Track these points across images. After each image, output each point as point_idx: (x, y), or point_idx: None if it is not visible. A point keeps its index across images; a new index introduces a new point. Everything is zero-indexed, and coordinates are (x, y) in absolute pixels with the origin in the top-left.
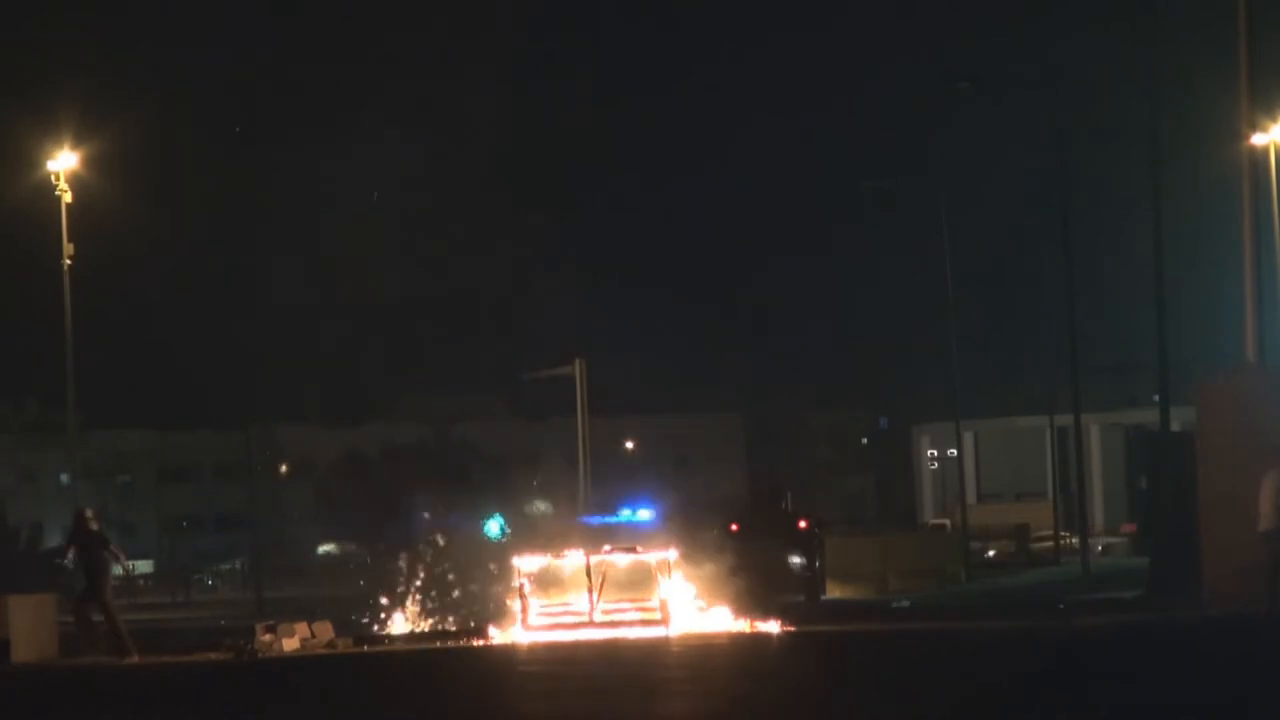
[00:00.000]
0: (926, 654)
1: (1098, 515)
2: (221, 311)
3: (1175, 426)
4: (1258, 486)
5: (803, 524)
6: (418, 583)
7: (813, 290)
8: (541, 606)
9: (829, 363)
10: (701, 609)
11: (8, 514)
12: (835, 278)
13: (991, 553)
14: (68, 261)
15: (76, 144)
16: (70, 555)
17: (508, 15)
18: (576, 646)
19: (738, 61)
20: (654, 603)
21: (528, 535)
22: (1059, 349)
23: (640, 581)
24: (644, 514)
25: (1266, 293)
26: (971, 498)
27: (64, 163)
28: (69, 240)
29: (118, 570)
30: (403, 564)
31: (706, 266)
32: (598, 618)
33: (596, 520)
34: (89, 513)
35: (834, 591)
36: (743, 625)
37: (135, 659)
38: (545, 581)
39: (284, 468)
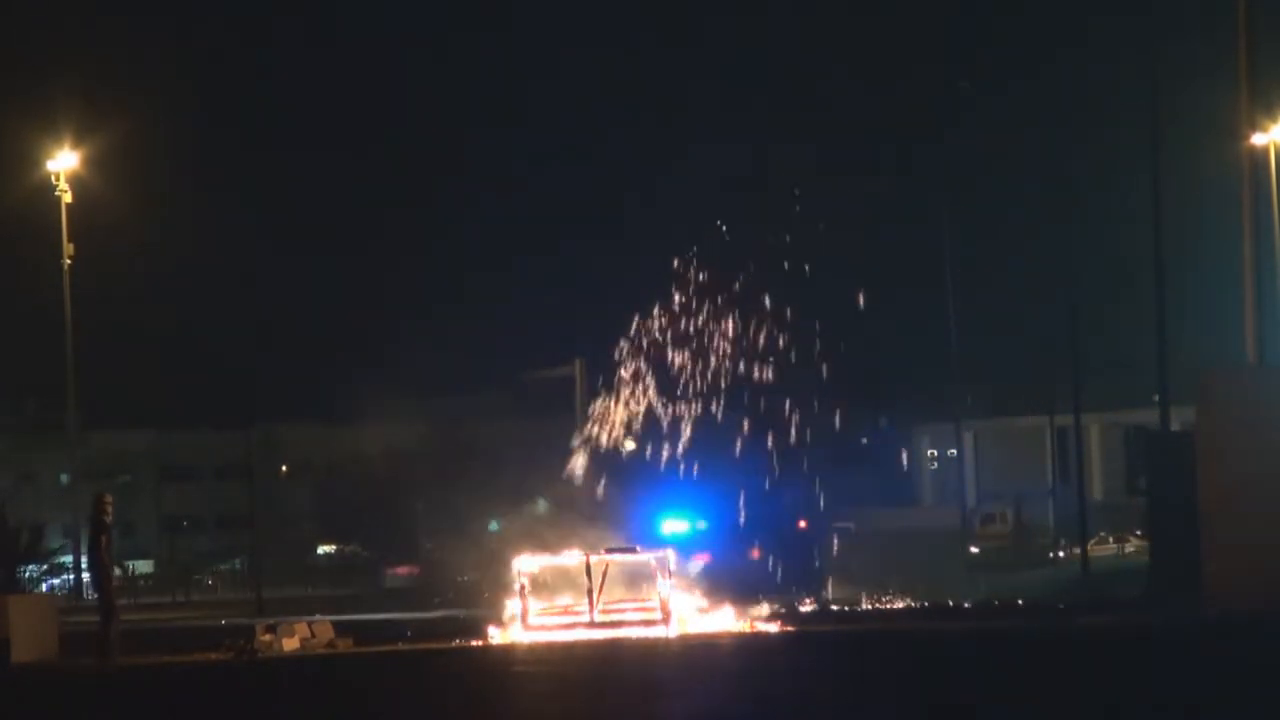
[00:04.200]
0: (926, 654)
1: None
2: (222, 311)
3: (1175, 426)
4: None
5: (803, 524)
6: None
7: (812, 289)
8: (541, 606)
9: (828, 362)
10: (701, 609)
11: (8, 514)
12: (834, 277)
13: (974, 549)
14: (68, 261)
15: (76, 144)
16: (106, 548)
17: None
18: (576, 646)
19: (738, 63)
20: (654, 603)
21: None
22: (1059, 349)
23: (640, 581)
24: None
25: (1266, 293)
26: (971, 498)
27: (64, 163)
28: (69, 240)
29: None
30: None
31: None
32: (598, 618)
33: None
34: (109, 498)
35: (834, 591)
36: (743, 625)
37: (108, 668)
38: (545, 581)
39: (284, 468)
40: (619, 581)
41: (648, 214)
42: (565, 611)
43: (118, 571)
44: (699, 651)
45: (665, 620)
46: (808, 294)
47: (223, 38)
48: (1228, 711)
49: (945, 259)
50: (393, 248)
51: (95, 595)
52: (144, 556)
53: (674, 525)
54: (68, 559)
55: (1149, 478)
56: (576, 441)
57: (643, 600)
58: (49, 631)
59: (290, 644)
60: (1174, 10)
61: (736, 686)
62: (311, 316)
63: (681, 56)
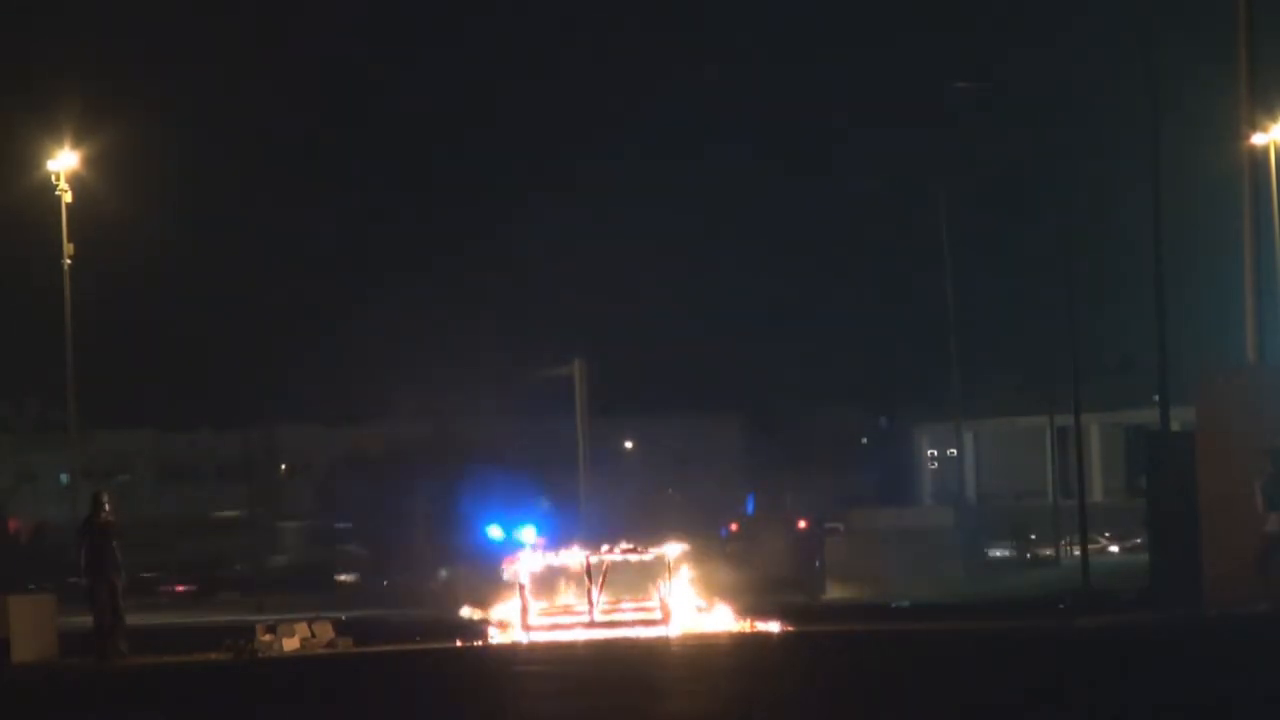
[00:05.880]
0: (926, 654)
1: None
2: (222, 311)
3: (1175, 426)
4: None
5: (802, 524)
6: None
7: (812, 289)
8: (541, 607)
9: (828, 362)
10: (702, 609)
11: (8, 514)
12: (834, 277)
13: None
14: (68, 261)
15: (76, 144)
16: (82, 555)
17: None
18: (576, 646)
19: (741, 66)
20: (654, 603)
21: None
22: (1059, 349)
23: (640, 581)
24: None
25: (1266, 293)
26: (972, 498)
27: (64, 163)
28: (69, 240)
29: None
30: None
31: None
32: (598, 618)
33: None
34: (105, 498)
35: (834, 591)
36: (743, 625)
37: (120, 662)
38: (545, 581)
39: (284, 468)
40: (619, 581)
41: (645, 213)
42: (565, 611)
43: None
44: (699, 651)
45: (665, 620)
46: (805, 295)
47: (221, 36)
48: (1228, 712)
49: (945, 258)
50: (391, 248)
51: (92, 595)
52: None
53: (495, 531)
54: None
55: (1149, 478)
56: None
57: (643, 600)
58: (49, 631)
59: (290, 644)
60: (1174, 10)
61: (736, 686)
62: (311, 316)
63: (680, 54)
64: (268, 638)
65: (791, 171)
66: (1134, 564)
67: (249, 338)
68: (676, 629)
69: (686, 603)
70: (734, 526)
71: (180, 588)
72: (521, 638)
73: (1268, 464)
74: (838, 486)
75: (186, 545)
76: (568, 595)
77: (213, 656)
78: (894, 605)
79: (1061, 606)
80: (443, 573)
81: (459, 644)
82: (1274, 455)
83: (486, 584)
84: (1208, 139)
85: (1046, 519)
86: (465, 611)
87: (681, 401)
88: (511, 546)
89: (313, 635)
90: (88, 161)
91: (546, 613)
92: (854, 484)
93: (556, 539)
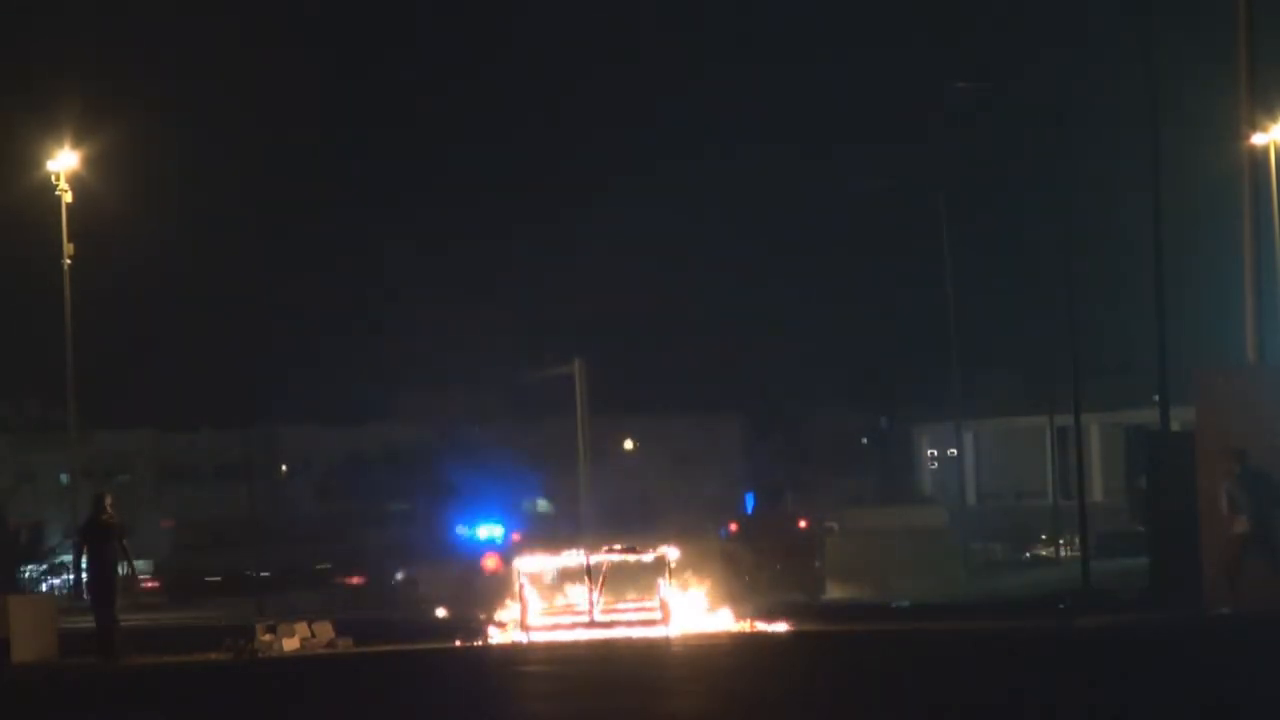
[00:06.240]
0: (926, 654)
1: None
2: (222, 311)
3: (1175, 426)
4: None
5: (803, 523)
6: None
7: (812, 289)
8: (541, 607)
9: (828, 362)
10: (702, 609)
11: (8, 514)
12: (835, 278)
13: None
14: (68, 261)
15: (76, 144)
16: (83, 555)
17: None
18: (576, 646)
19: (741, 66)
20: (654, 603)
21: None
22: (1059, 349)
23: (640, 581)
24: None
25: (1266, 293)
26: (972, 497)
27: (64, 163)
28: (69, 240)
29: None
30: None
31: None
32: (598, 618)
33: None
34: (109, 499)
35: (834, 591)
36: (743, 625)
37: (122, 662)
38: (545, 581)
39: (284, 468)
40: (619, 581)
41: (645, 213)
42: (565, 611)
43: (126, 571)
44: (699, 651)
45: (665, 620)
46: (806, 295)
47: (220, 35)
48: (1228, 712)
49: (945, 258)
50: (391, 248)
51: (93, 594)
52: (143, 557)
53: (487, 529)
54: (67, 558)
55: (1149, 478)
56: None
57: (643, 600)
58: (49, 631)
59: (290, 644)
60: (1174, 9)
61: (736, 686)
62: (310, 316)
63: (680, 53)
64: (268, 638)
65: (791, 172)
66: (1133, 564)
67: (249, 338)
68: (676, 629)
69: (686, 603)
70: (734, 526)
71: (352, 580)
72: (521, 638)
73: (1234, 466)
74: (838, 487)
75: (360, 538)
76: (568, 595)
77: (213, 656)
78: (894, 605)
79: (1061, 606)
80: (399, 574)
81: (459, 644)
82: (1239, 456)
83: (454, 583)
84: (1208, 139)
85: (1046, 519)
86: (440, 612)
87: (681, 401)
88: (481, 545)
89: (313, 635)
90: (88, 161)
91: (546, 613)
92: (854, 484)
93: (527, 536)
